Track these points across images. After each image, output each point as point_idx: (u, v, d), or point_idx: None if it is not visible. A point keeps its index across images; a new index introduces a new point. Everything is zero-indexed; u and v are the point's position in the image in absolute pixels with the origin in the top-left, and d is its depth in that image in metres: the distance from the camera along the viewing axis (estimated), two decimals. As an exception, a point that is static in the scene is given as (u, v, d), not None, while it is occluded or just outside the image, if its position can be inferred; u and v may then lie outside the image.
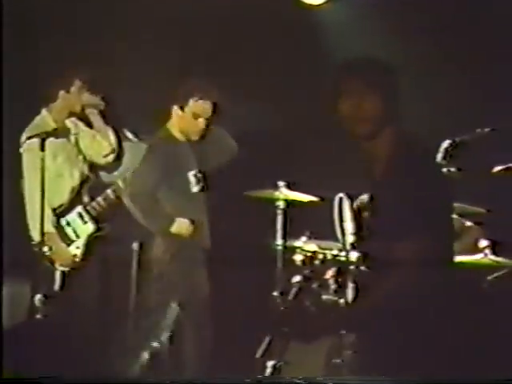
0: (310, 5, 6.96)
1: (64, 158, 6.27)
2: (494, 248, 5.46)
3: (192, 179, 5.91)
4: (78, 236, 6.22)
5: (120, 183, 6.16)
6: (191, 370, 6.20)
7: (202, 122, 6.11)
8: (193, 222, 6.14)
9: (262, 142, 6.93)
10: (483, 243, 5.48)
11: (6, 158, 6.15)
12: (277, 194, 6.10)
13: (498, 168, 5.49)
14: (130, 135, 6.27)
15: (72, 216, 6.24)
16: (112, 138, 6.29)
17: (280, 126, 6.98)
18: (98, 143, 6.28)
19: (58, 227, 6.19)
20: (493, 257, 5.43)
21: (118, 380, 5.37)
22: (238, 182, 6.96)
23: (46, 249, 5.99)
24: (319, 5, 6.97)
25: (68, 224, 6.24)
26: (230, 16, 6.90)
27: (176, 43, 6.96)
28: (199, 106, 6.11)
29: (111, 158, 6.28)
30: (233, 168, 7.02)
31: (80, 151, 6.32)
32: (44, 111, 6.33)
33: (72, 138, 6.35)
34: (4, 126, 6.15)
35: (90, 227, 6.24)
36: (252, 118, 6.96)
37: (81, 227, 6.24)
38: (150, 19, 6.89)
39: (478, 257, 5.46)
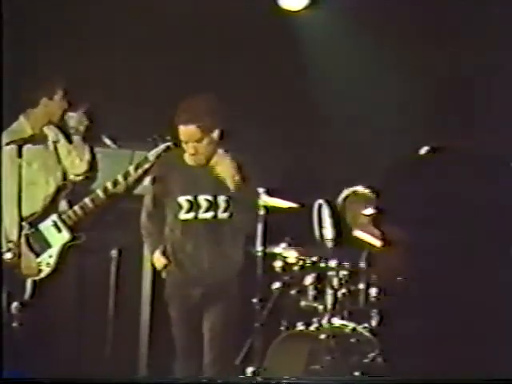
0: (289, 11, 6.98)
1: (39, 165, 6.23)
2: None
3: (184, 204, 5.89)
4: (49, 245, 6.19)
5: (100, 193, 6.14)
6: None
7: (190, 146, 5.86)
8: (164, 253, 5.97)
9: (243, 147, 6.94)
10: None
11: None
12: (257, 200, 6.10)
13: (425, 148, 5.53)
14: (108, 142, 6.24)
15: (46, 224, 6.22)
16: (87, 158, 6.25)
17: (261, 132, 6.99)
18: (72, 160, 6.25)
19: (30, 235, 6.15)
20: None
21: (118, 380, 5.37)
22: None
23: (8, 256, 5.91)
24: (298, 11, 7.00)
25: (40, 232, 6.20)
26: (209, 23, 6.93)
27: (161, 54, 6.96)
28: (182, 131, 5.88)
29: (81, 177, 6.24)
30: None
31: (59, 159, 6.29)
32: (22, 117, 6.31)
33: (50, 145, 6.32)
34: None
35: (64, 236, 6.24)
36: (233, 124, 6.97)
37: (54, 236, 6.22)
38: (139, 28, 6.89)
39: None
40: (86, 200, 6.18)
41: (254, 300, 5.91)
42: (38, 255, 6.19)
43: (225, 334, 5.95)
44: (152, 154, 6.13)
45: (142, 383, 5.77)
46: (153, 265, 6.15)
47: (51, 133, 6.36)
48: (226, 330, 5.95)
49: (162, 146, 6.11)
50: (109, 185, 6.15)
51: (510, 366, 5.24)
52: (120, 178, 6.14)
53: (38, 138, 6.24)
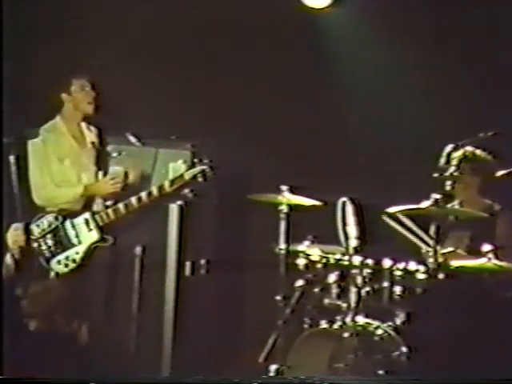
0: (313, 8, 6.97)
1: (72, 162, 6.28)
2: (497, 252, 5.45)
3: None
4: (80, 242, 6.24)
5: (134, 200, 6.17)
6: (195, 372, 6.19)
7: None
8: None
9: (266, 146, 6.94)
10: (486, 247, 5.47)
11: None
12: (280, 198, 6.08)
13: (501, 172, 5.49)
14: (133, 139, 6.26)
15: (78, 221, 6.27)
16: (89, 176, 6.32)
17: (285, 130, 6.98)
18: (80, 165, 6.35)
19: (60, 228, 6.19)
20: (496, 261, 5.42)
21: (119, 380, 5.37)
22: (241, 186, 6.97)
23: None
24: (322, 8, 6.99)
25: (73, 227, 6.25)
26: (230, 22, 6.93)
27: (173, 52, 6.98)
28: None
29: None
30: (237, 172, 7.03)
31: (94, 158, 6.32)
32: (58, 116, 6.27)
33: (88, 143, 6.35)
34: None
35: (93, 235, 6.28)
36: (255, 123, 6.97)
37: (84, 234, 6.27)
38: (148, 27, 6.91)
39: (481, 261, 5.45)
40: (120, 205, 6.20)
41: (278, 297, 5.92)
42: (63, 249, 6.23)
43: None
44: (188, 174, 6.20)
45: (163, 383, 5.76)
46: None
47: (90, 133, 6.37)
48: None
49: (198, 169, 6.18)
50: (143, 195, 6.18)
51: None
52: (155, 191, 6.17)
53: (73, 135, 6.27)
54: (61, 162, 6.25)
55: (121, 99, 6.44)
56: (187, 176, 6.21)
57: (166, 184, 6.19)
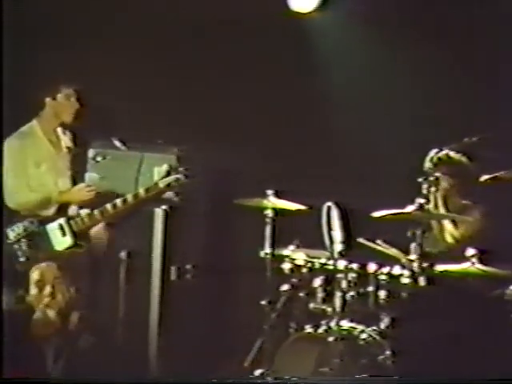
0: (299, 13, 6.98)
1: (48, 168, 6.26)
2: (481, 257, 5.46)
3: None
4: (53, 247, 6.24)
5: (109, 207, 6.16)
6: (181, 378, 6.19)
7: None
8: None
9: (252, 150, 6.94)
10: (470, 252, 5.48)
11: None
12: (265, 202, 6.09)
13: (485, 177, 5.51)
14: (118, 144, 6.25)
15: (52, 226, 6.26)
16: (65, 181, 6.30)
17: (270, 134, 6.99)
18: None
19: (35, 233, 6.17)
20: (480, 266, 5.43)
21: (119, 380, 5.36)
22: (227, 191, 6.97)
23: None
24: (307, 13, 7.00)
25: (46, 233, 6.24)
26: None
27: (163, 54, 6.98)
28: None
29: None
30: (222, 176, 7.03)
31: (70, 164, 6.31)
32: (34, 120, 6.28)
33: (64, 148, 6.33)
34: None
35: (67, 241, 6.26)
36: (241, 127, 6.97)
37: (58, 239, 6.26)
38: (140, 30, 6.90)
39: (464, 265, 5.46)
40: (96, 211, 6.19)
41: (263, 302, 5.92)
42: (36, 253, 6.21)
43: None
44: (162, 182, 6.21)
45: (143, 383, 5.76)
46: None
47: (66, 138, 6.36)
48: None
49: (173, 177, 6.18)
50: (118, 202, 6.18)
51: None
52: (130, 198, 6.18)
53: (49, 139, 6.26)
54: (37, 167, 6.26)
55: (106, 103, 6.43)
56: (161, 184, 6.22)
57: (141, 191, 6.19)
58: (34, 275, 5.77)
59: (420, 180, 5.67)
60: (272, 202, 6.04)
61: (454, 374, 5.29)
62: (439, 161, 5.74)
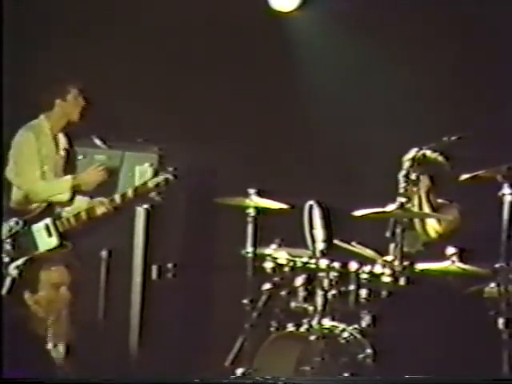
0: (280, 12, 6.99)
1: (50, 167, 6.22)
2: (461, 255, 5.49)
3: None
4: (36, 247, 6.22)
5: (97, 207, 6.10)
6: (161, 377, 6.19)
7: None
8: None
9: (233, 149, 6.94)
10: (450, 250, 5.51)
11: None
12: (247, 201, 6.09)
13: (464, 176, 5.54)
14: (98, 142, 6.23)
15: (38, 226, 6.24)
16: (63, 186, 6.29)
17: (252, 133, 7.00)
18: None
19: (20, 233, 6.14)
20: (460, 264, 5.47)
21: (118, 380, 5.36)
22: (209, 189, 6.97)
23: None
24: (289, 12, 7.01)
25: (31, 233, 6.21)
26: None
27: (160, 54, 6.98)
28: None
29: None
30: (203, 175, 7.03)
31: (65, 165, 6.30)
32: (42, 116, 6.25)
33: (61, 150, 6.29)
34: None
35: (53, 241, 6.22)
36: (222, 126, 6.97)
37: (44, 239, 6.23)
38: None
39: (445, 264, 5.49)
40: (82, 212, 6.17)
41: (245, 301, 5.92)
42: (21, 255, 6.17)
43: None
44: (152, 182, 6.19)
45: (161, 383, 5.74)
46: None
47: (63, 139, 6.34)
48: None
49: (162, 178, 6.17)
50: (106, 202, 6.15)
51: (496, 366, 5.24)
52: (117, 198, 6.16)
53: (54, 139, 6.25)
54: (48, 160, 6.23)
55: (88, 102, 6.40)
56: (151, 184, 6.21)
57: (130, 192, 6.18)
58: (51, 277, 5.74)
59: (400, 179, 5.70)
60: (254, 200, 6.04)
61: (434, 372, 5.32)
62: (418, 160, 5.78)
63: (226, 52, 6.99)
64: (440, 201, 6.06)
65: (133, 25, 6.90)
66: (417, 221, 6.02)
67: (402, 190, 5.67)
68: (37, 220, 6.20)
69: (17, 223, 6.18)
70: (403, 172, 5.75)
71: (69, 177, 6.23)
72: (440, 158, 5.84)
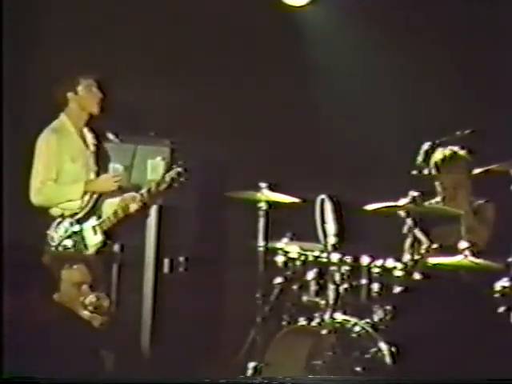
0: (293, 6, 6.99)
1: (82, 164, 6.17)
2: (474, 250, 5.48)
3: None
4: (86, 247, 6.19)
5: (131, 203, 6.04)
6: (174, 371, 6.19)
7: None
8: None
9: (245, 143, 6.94)
10: (463, 245, 5.49)
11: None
12: (259, 195, 6.09)
13: (477, 170, 5.52)
14: (111, 136, 6.22)
15: (87, 225, 6.14)
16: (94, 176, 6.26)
17: (263, 127, 6.99)
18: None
19: (72, 234, 6.14)
20: (472, 258, 5.45)
21: (118, 380, 5.36)
22: (220, 183, 6.97)
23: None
24: (301, 6, 7.00)
25: (81, 232, 6.20)
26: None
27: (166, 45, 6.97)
28: None
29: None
30: (216, 169, 7.03)
31: (97, 161, 6.27)
32: (62, 115, 6.16)
33: (90, 145, 6.23)
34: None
35: (98, 239, 6.14)
36: (234, 120, 6.97)
37: (91, 238, 6.16)
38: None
39: (457, 258, 5.47)
40: (119, 210, 6.13)
41: (256, 295, 5.92)
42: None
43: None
44: (168, 176, 6.12)
45: (142, 383, 5.75)
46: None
47: (89, 134, 6.27)
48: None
49: (174, 171, 6.12)
50: (138, 197, 6.10)
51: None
52: (145, 193, 6.12)
53: (80, 135, 6.20)
54: (73, 162, 6.15)
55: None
56: (167, 178, 6.13)
57: (153, 186, 6.13)
58: (74, 276, 5.74)
59: (415, 173, 5.69)
60: (266, 194, 6.04)
61: (447, 367, 5.31)
62: (445, 158, 5.81)
63: (237, 47, 6.99)
64: (472, 199, 6.04)
65: (145, 17, 6.91)
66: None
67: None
68: (83, 220, 6.19)
69: (71, 224, 6.15)
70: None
71: (81, 182, 6.17)
72: (468, 156, 5.87)
